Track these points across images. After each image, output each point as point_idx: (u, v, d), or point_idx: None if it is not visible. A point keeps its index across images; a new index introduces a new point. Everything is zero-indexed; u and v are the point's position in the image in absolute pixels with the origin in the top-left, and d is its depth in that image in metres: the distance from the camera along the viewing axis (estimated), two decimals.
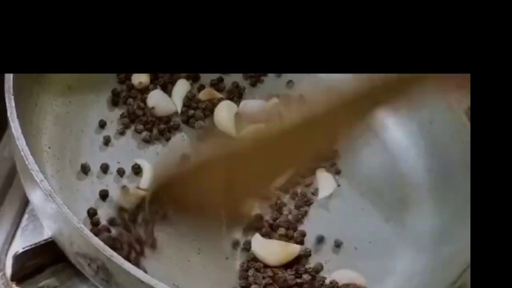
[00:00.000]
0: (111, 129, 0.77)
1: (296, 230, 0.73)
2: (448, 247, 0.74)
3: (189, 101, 0.81)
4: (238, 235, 0.72)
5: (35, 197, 0.63)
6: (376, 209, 0.79)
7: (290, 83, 0.85)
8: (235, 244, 0.71)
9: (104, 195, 0.71)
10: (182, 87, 0.81)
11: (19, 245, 0.68)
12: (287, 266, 0.70)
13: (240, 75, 0.84)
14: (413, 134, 0.85)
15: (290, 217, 0.74)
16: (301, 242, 0.73)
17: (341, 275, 0.72)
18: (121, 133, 0.76)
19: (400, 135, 0.86)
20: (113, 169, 0.74)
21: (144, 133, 0.77)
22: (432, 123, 0.83)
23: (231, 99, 0.82)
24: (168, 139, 0.78)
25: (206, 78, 0.83)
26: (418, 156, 0.84)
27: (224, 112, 0.80)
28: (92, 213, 0.69)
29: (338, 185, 0.80)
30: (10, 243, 0.69)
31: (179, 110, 0.80)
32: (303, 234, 0.73)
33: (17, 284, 0.66)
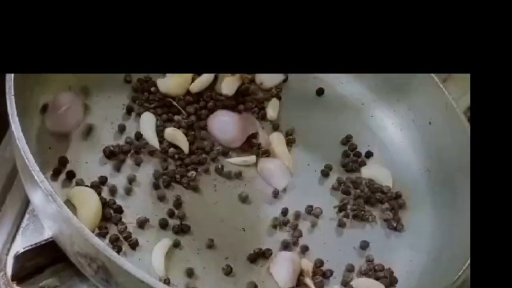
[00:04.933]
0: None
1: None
2: (447, 247, 0.75)
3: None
4: None
5: (36, 197, 0.63)
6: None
7: None
8: None
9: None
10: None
11: (20, 245, 0.68)
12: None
13: None
14: (411, 134, 0.85)
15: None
16: None
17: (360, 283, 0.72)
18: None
19: (399, 136, 0.86)
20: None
21: None
22: (431, 123, 0.84)
23: None
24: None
25: None
26: (416, 156, 0.84)
27: None
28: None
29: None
30: (11, 243, 0.69)
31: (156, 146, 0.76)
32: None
33: (17, 284, 0.66)
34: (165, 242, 0.68)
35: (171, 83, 0.80)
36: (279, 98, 0.85)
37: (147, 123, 0.77)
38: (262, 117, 0.82)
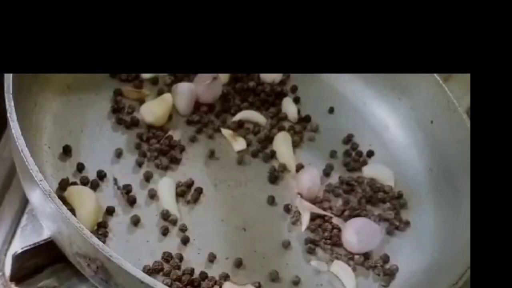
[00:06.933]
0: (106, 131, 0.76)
1: None
2: (449, 246, 0.74)
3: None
4: None
5: (35, 197, 0.63)
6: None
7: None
8: None
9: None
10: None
11: (18, 245, 0.67)
12: None
13: None
14: (413, 133, 0.85)
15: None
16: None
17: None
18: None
19: (401, 135, 0.86)
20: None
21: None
22: (432, 122, 0.83)
23: None
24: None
25: None
26: (418, 155, 0.84)
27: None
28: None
29: None
30: (10, 243, 0.68)
31: None
32: None
33: (16, 284, 0.66)
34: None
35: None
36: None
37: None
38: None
